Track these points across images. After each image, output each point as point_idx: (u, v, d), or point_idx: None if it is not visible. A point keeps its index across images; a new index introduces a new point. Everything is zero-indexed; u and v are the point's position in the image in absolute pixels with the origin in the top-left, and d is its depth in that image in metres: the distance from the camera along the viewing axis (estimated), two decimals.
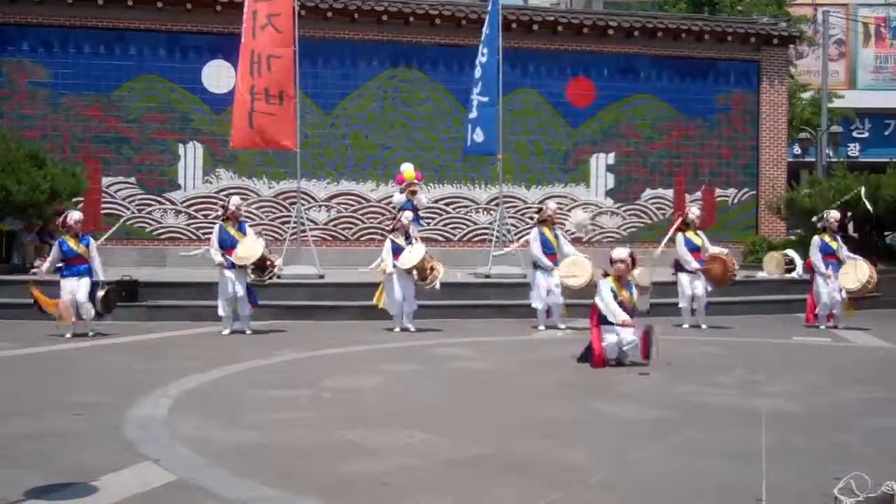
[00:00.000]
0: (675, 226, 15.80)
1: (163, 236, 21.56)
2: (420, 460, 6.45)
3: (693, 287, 15.20)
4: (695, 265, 15.13)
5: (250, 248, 13.76)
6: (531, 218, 18.83)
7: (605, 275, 11.33)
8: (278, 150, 18.99)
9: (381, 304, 14.65)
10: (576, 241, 17.41)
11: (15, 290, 15.19)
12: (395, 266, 14.34)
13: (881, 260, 19.17)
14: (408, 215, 15.20)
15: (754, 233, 24.28)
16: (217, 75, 21.59)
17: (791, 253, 17.29)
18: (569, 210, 21.31)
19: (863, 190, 17.92)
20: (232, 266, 13.74)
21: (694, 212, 15.87)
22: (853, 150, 39.71)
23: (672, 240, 15.53)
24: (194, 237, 21.34)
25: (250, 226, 15.08)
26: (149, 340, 13.23)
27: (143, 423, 7.52)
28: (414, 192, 17.99)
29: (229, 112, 18.97)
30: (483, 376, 10.36)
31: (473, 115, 18.87)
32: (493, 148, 18.94)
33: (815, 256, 15.49)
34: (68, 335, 13.11)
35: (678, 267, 15.36)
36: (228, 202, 14.38)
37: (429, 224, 21.73)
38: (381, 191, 22.28)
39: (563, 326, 14.69)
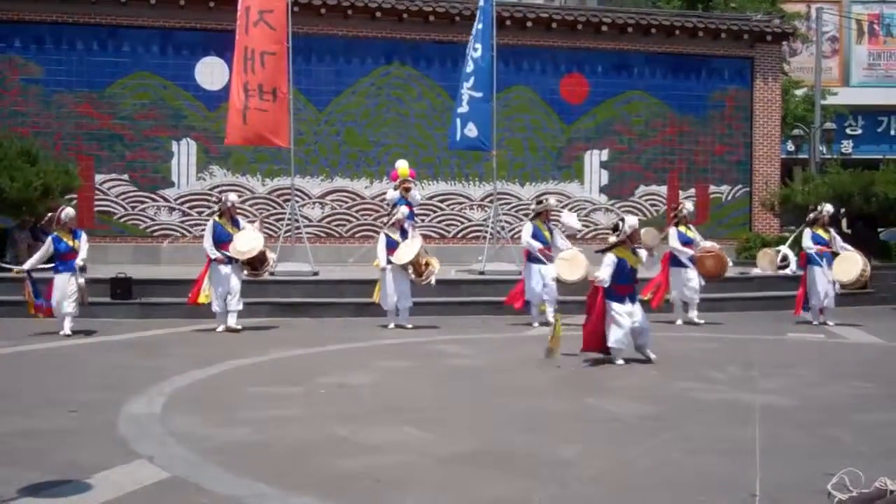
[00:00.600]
0: (669, 220, 15.82)
1: (156, 233, 21.51)
2: (414, 456, 6.46)
3: (687, 280, 15.19)
4: (688, 253, 15.10)
5: (251, 242, 13.72)
6: (525, 214, 18.83)
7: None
8: (272, 147, 18.95)
9: (378, 299, 14.66)
10: (570, 237, 17.35)
11: (8, 287, 15.14)
12: (389, 262, 14.30)
13: (874, 256, 19.22)
14: (403, 210, 15.15)
15: (748, 229, 24.29)
16: (210, 72, 21.53)
17: (784, 249, 17.35)
18: (562, 207, 21.30)
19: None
20: (229, 261, 13.73)
21: (687, 207, 15.89)
22: (846, 146, 39.78)
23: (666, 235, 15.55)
24: (188, 234, 21.31)
25: (249, 221, 15.02)
26: (143, 338, 13.20)
27: (138, 421, 7.52)
28: (408, 189, 17.97)
29: (223, 109, 18.94)
30: (477, 373, 10.36)
31: (464, 109, 18.70)
32: (487, 144, 18.91)
33: (807, 243, 15.51)
34: (63, 332, 13.06)
35: (673, 261, 15.32)
36: (226, 199, 14.32)
37: (423, 221, 21.72)
38: (375, 188, 22.25)
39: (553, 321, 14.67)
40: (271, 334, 13.67)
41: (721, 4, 31.97)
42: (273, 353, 11.65)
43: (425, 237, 19.20)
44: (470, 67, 18.71)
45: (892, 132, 41.04)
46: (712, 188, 24.42)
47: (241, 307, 13.90)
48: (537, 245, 14.60)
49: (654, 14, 24.72)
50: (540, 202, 15.48)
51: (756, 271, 18.24)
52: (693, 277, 15.15)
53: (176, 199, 21.58)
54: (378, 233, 15.66)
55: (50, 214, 13.83)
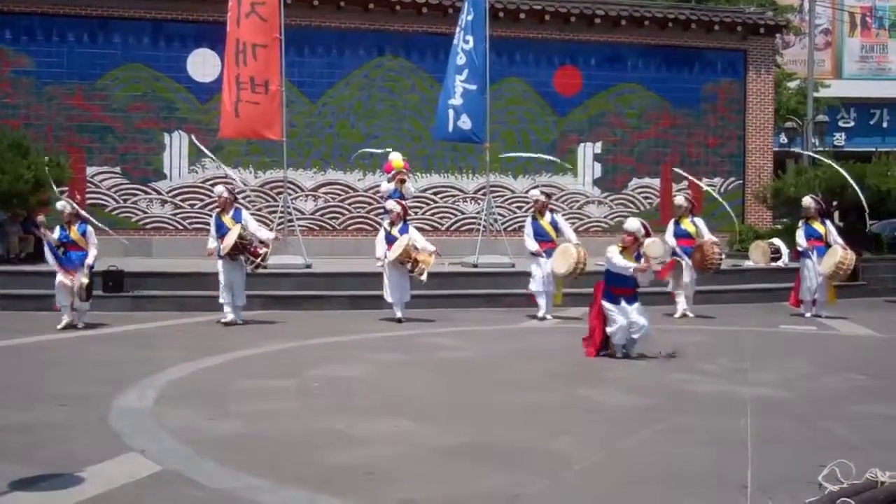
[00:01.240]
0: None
1: (148, 226, 21.46)
2: (407, 449, 6.46)
3: (680, 274, 15.21)
4: (676, 251, 15.08)
5: (227, 235, 13.67)
6: (518, 207, 18.86)
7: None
8: (264, 140, 18.89)
9: None
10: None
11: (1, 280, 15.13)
12: (385, 256, 14.32)
13: (866, 248, 19.25)
14: (391, 204, 15.11)
15: (740, 222, 24.31)
16: (203, 64, 21.46)
17: (777, 242, 17.34)
18: (555, 199, 21.27)
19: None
20: (220, 255, 13.69)
21: (677, 199, 15.87)
22: (839, 139, 39.85)
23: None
24: (180, 227, 21.27)
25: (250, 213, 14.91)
26: (135, 331, 13.18)
27: (130, 414, 7.50)
28: (402, 181, 17.96)
29: (215, 101, 18.89)
30: (471, 365, 10.37)
31: (458, 101, 18.66)
32: (481, 136, 18.89)
33: (800, 238, 15.53)
34: (59, 326, 13.04)
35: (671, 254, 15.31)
36: (217, 193, 14.27)
37: (416, 213, 21.71)
38: (368, 180, 22.22)
39: (549, 316, 14.69)
40: (264, 327, 13.65)
41: None
42: (266, 346, 11.64)
43: (419, 230, 19.17)
44: (462, 59, 18.64)
45: (885, 125, 41.15)
46: (705, 180, 24.42)
47: (242, 303, 13.88)
48: (535, 247, 14.62)
49: (648, 6, 24.68)
50: (537, 200, 15.38)
51: (748, 264, 18.25)
52: (687, 273, 15.17)
53: (168, 192, 21.54)
54: (370, 226, 15.64)
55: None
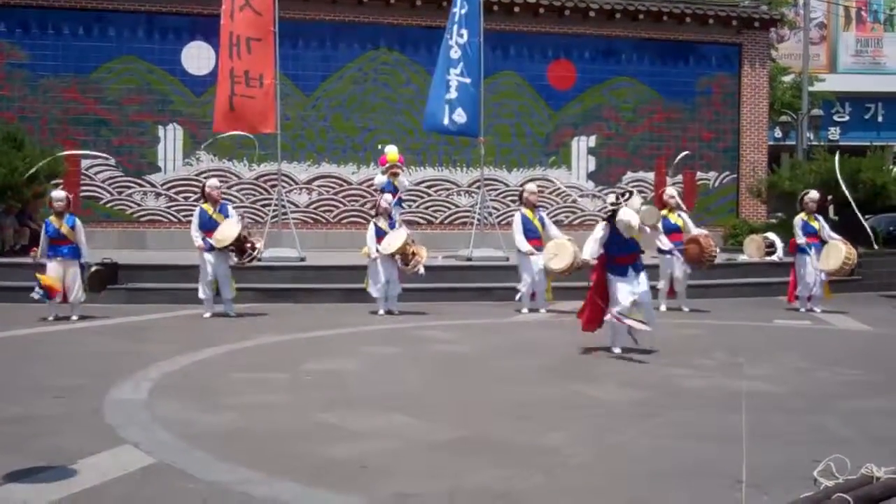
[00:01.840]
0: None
1: (143, 219, 21.45)
2: (400, 443, 6.45)
3: (671, 269, 15.22)
4: (668, 245, 15.08)
5: (227, 229, 13.68)
6: (513, 201, 18.83)
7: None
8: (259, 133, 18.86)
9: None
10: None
11: None
12: (378, 251, 14.31)
13: (861, 243, 19.26)
14: (387, 198, 15.14)
15: (735, 216, 24.35)
16: (197, 57, 21.46)
17: (771, 236, 17.36)
18: (549, 193, 21.30)
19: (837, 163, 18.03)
20: (211, 248, 13.67)
21: (668, 192, 15.85)
22: (834, 133, 39.92)
23: None
24: (175, 220, 21.26)
25: (234, 207, 14.93)
26: (129, 323, 13.15)
27: (123, 407, 7.49)
28: (396, 175, 17.96)
29: (209, 94, 18.87)
30: (464, 359, 10.36)
31: (453, 95, 18.63)
32: (475, 129, 18.87)
33: (799, 235, 15.50)
34: (51, 318, 13.05)
35: (658, 248, 15.31)
36: (206, 184, 14.29)
37: (410, 207, 21.71)
38: (363, 173, 22.22)
39: (544, 310, 14.69)
40: (258, 320, 13.63)
41: None
42: (260, 338, 11.63)
43: (412, 223, 19.23)
44: (457, 53, 18.62)
45: (880, 119, 41.21)
46: (699, 175, 24.45)
47: (231, 295, 13.87)
48: (528, 248, 14.60)
49: (642, 0, 24.68)
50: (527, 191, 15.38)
51: (743, 258, 18.26)
52: (679, 267, 15.18)
53: (162, 185, 21.51)
54: (365, 219, 15.62)
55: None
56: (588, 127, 23.81)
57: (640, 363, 9.96)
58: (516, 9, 22.86)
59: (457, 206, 22.96)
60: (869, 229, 18.56)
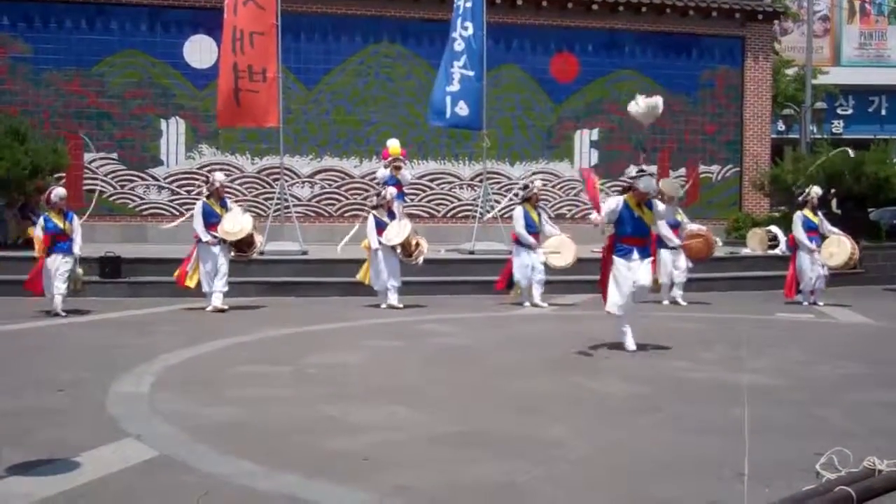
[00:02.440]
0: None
1: (145, 212, 21.45)
2: (402, 436, 6.46)
3: (674, 263, 15.22)
4: (675, 242, 15.05)
5: (239, 223, 13.67)
6: (516, 195, 18.78)
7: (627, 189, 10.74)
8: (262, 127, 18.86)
9: (367, 280, 14.61)
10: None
11: None
12: (380, 243, 14.30)
13: (864, 236, 19.24)
14: (391, 191, 15.16)
15: (738, 209, 24.32)
16: (199, 50, 21.43)
17: (774, 229, 17.34)
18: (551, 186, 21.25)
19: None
20: (218, 242, 13.67)
21: (671, 185, 15.83)
22: (837, 126, 39.85)
23: None
24: (177, 213, 21.24)
25: (235, 202, 14.95)
26: (131, 316, 13.18)
27: (126, 400, 7.50)
28: (398, 168, 17.94)
29: (212, 87, 18.84)
30: (466, 352, 10.36)
31: (455, 87, 18.60)
32: (478, 123, 18.84)
33: (799, 232, 15.48)
34: (52, 313, 13.02)
35: (659, 243, 15.27)
36: (213, 178, 14.29)
37: (412, 200, 21.70)
38: (365, 167, 22.21)
39: (544, 304, 14.68)
40: (260, 313, 13.64)
41: None
42: (262, 332, 11.63)
43: (415, 216, 19.23)
44: (461, 46, 18.59)
45: (883, 112, 41.13)
46: (702, 168, 24.41)
47: (226, 289, 13.86)
48: (532, 240, 14.58)
49: None
50: (526, 186, 15.40)
51: (746, 251, 18.25)
52: (680, 261, 15.19)
53: (165, 178, 21.52)
54: (368, 213, 15.59)
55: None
56: (591, 120, 23.77)
57: (642, 357, 9.96)
58: (519, 2, 22.81)
59: (459, 200, 22.94)
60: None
